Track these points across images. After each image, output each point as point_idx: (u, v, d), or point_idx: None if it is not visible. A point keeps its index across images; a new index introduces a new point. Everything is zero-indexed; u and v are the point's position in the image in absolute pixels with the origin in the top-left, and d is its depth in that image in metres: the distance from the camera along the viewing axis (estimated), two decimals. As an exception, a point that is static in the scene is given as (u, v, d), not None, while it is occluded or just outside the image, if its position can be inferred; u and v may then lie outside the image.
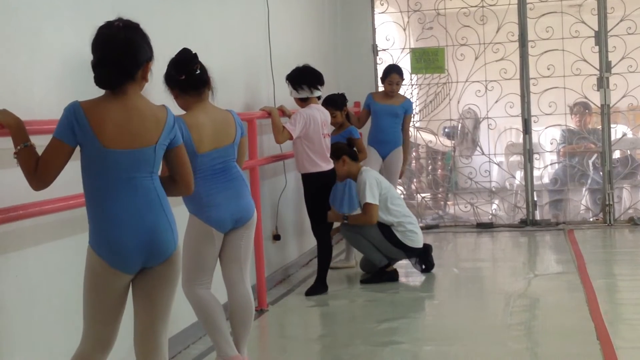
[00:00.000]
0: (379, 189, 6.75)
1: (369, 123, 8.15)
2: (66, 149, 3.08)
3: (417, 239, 6.87)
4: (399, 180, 8.47)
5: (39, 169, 3.08)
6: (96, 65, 3.13)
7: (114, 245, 3.10)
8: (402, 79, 8.10)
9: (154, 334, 3.23)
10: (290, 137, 6.25)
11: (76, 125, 3.05)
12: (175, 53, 4.29)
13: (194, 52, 4.28)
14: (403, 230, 6.79)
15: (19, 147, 3.08)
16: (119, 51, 3.11)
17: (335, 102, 7.22)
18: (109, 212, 3.11)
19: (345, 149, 6.82)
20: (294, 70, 6.48)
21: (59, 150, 3.07)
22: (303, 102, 6.44)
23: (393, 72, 8.05)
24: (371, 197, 6.67)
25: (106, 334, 3.21)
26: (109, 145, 3.07)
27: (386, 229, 6.76)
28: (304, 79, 6.41)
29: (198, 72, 4.25)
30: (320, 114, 6.43)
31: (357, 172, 6.83)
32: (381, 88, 8.44)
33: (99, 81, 3.13)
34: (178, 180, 3.34)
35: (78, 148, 3.13)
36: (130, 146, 3.10)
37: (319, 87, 6.48)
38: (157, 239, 3.14)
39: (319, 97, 6.56)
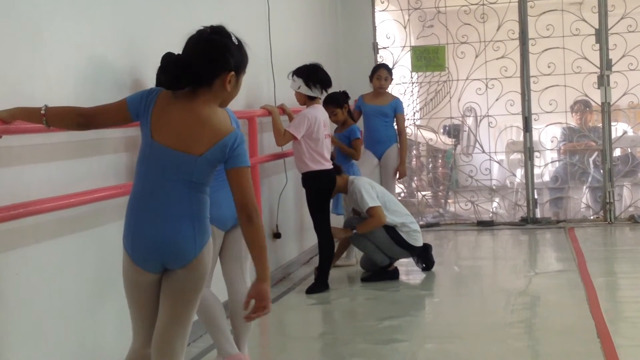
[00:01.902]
0: (374, 191, 6.75)
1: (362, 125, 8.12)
2: (124, 111, 3.10)
3: (420, 238, 6.90)
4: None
5: (91, 109, 3.14)
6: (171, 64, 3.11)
7: (135, 241, 3.09)
8: (391, 75, 8.07)
9: (169, 337, 3.18)
10: (295, 139, 6.24)
11: (145, 101, 3.08)
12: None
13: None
14: (407, 231, 6.80)
15: (42, 112, 3.09)
16: (194, 53, 3.08)
17: (336, 100, 7.20)
18: (139, 207, 3.09)
19: None
20: (309, 66, 6.41)
21: (118, 108, 3.12)
22: (310, 100, 6.41)
23: (381, 68, 8.06)
24: (371, 201, 6.67)
25: (146, 331, 3.21)
26: (156, 137, 3.06)
27: (391, 230, 6.77)
28: (319, 78, 6.36)
29: None
30: (322, 115, 6.42)
31: (345, 184, 6.81)
32: (392, 89, 8.43)
33: (164, 80, 3.09)
34: (235, 201, 3.13)
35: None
36: (173, 146, 3.05)
37: (328, 89, 6.48)
38: (173, 246, 3.07)
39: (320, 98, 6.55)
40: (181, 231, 3.07)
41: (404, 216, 6.85)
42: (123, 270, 3.17)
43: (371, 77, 8.08)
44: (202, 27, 3.15)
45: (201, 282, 3.18)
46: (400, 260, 7.05)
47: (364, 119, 8.07)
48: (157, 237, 3.06)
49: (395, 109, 8.00)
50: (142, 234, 3.07)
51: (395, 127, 8.07)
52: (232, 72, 3.10)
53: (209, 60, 3.07)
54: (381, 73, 7.97)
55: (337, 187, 6.76)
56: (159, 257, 3.09)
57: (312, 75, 6.35)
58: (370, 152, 7.99)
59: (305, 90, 6.35)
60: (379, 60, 9.45)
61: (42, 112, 3.10)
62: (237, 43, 3.14)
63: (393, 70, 8.30)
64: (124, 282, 3.19)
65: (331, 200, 6.82)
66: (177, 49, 4.28)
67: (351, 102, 7.78)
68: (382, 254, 6.80)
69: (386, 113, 7.97)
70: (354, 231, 6.81)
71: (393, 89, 8.90)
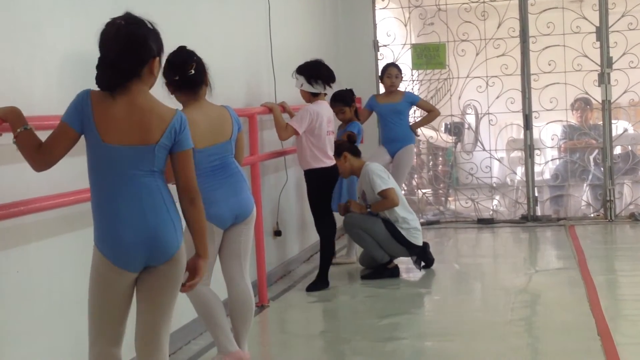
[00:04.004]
0: (386, 175, 6.80)
1: (372, 123, 8.16)
2: (71, 133, 3.06)
3: (420, 236, 6.89)
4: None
5: (43, 149, 3.06)
6: (97, 66, 3.08)
7: (116, 242, 3.07)
8: (401, 74, 8.11)
9: (155, 334, 3.21)
10: (296, 133, 6.24)
11: (82, 110, 3.05)
12: (174, 49, 4.27)
13: (189, 51, 4.27)
14: (407, 228, 6.79)
15: (18, 130, 3.06)
16: (119, 50, 3.05)
17: (344, 98, 7.23)
18: (111, 209, 3.08)
19: (345, 145, 6.84)
20: (310, 63, 6.42)
21: (64, 134, 3.06)
22: (313, 96, 6.40)
23: (391, 66, 8.13)
24: (383, 184, 6.70)
25: (115, 331, 3.20)
26: (107, 140, 3.04)
27: (391, 226, 6.76)
28: (320, 74, 6.36)
29: (192, 72, 4.24)
30: (326, 111, 6.42)
31: (361, 167, 6.84)
32: (381, 87, 8.47)
33: (99, 82, 3.08)
34: (178, 184, 3.23)
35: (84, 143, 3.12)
36: (128, 142, 3.05)
37: (332, 84, 6.48)
38: (158, 238, 3.09)
39: (325, 94, 6.55)
40: (162, 224, 3.11)
41: (407, 212, 6.86)
42: (95, 273, 3.15)
43: (381, 77, 8.14)
44: (111, 20, 3.14)
45: (182, 275, 3.23)
46: (401, 258, 7.04)
47: (378, 119, 8.14)
48: (141, 234, 3.07)
49: (412, 102, 8.10)
50: (124, 234, 3.07)
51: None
52: (157, 58, 3.15)
53: (134, 53, 3.08)
54: (391, 71, 8.02)
55: (353, 169, 6.83)
56: (144, 255, 3.10)
57: (312, 71, 6.36)
58: (385, 148, 8.03)
59: (307, 87, 6.36)
60: (380, 58, 9.46)
61: (17, 132, 3.06)
62: (152, 28, 3.16)
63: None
64: (94, 285, 3.15)
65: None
66: (177, 45, 4.30)
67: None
68: (382, 251, 6.80)
69: (400, 110, 8.03)
70: (369, 209, 6.82)
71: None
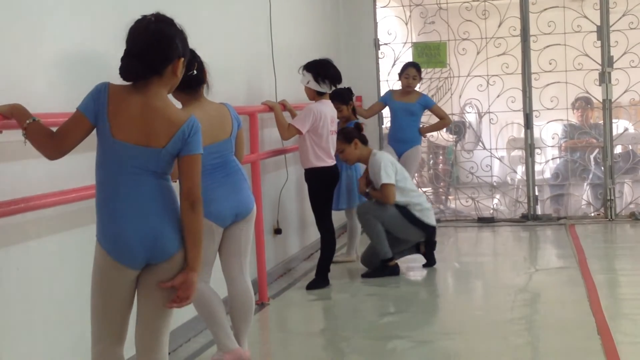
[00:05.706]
0: (393, 169, 6.78)
1: (374, 122, 8.17)
2: (85, 123, 3.06)
3: (433, 215, 7.00)
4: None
5: (56, 137, 3.07)
6: (123, 57, 3.09)
7: (118, 238, 3.08)
8: (420, 75, 8.12)
9: (155, 331, 3.20)
10: (299, 133, 6.24)
11: (98, 102, 3.05)
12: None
13: (191, 50, 4.27)
14: (421, 209, 6.85)
15: (27, 122, 3.08)
16: (146, 44, 3.06)
17: (342, 97, 7.23)
18: (114, 205, 3.08)
19: (355, 132, 6.86)
20: (319, 61, 6.42)
21: (78, 123, 3.06)
22: (318, 95, 6.41)
23: (410, 66, 8.13)
24: (387, 178, 6.70)
25: (117, 330, 3.19)
26: (117, 136, 3.05)
27: (404, 209, 6.79)
28: (328, 73, 6.36)
29: (194, 72, 4.23)
30: (330, 111, 6.42)
31: (368, 155, 6.85)
32: (393, 85, 8.48)
33: (122, 72, 3.08)
34: (182, 187, 3.19)
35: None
36: (135, 142, 3.06)
37: (338, 84, 6.48)
38: (160, 238, 3.10)
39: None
40: (162, 224, 3.11)
41: (417, 197, 6.93)
42: (97, 270, 3.14)
43: (400, 75, 8.14)
44: (141, 17, 3.15)
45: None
46: (401, 258, 7.05)
47: (391, 116, 8.14)
48: (142, 232, 3.07)
49: (425, 105, 8.12)
50: (126, 231, 3.07)
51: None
52: (182, 59, 3.16)
53: (161, 49, 3.09)
54: (410, 72, 8.03)
55: (360, 157, 6.88)
56: (144, 252, 3.10)
57: (321, 70, 6.35)
58: (392, 148, 8.04)
59: (314, 85, 6.35)
60: (380, 56, 9.47)
61: (26, 124, 3.08)
62: (180, 29, 3.18)
63: (395, 67, 8.35)
64: (97, 283, 3.15)
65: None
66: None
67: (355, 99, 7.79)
68: (387, 246, 6.78)
69: (413, 111, 8.06)
70: (368, 189, 6.89)
71: (394, 85, 8.94)
